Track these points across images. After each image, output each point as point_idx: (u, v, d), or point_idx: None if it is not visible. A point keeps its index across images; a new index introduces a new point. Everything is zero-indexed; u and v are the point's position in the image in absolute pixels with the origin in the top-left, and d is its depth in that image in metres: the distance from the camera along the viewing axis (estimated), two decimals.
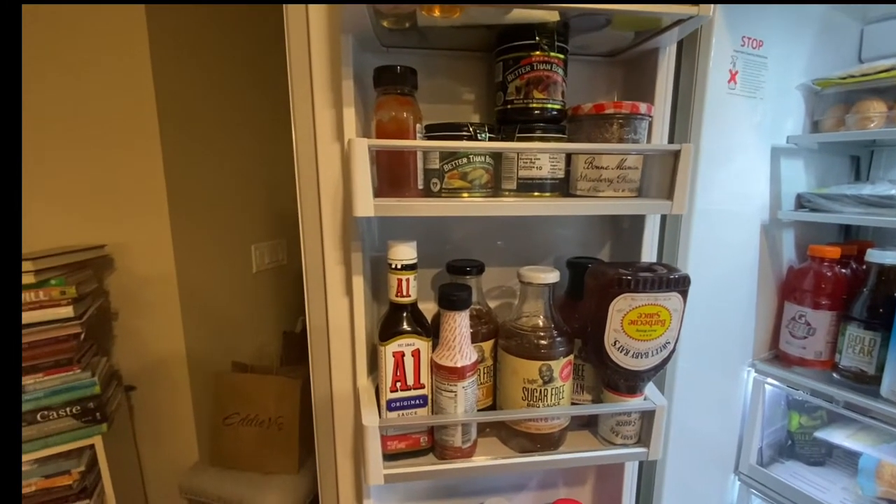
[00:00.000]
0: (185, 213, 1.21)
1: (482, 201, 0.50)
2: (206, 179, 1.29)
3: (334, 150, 0.56)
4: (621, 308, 0.51)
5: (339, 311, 0.60)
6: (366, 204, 0.45)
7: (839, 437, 0.93)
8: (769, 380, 0.93)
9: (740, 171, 0.86)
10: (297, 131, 0.57)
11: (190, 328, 1.24)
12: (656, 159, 0.54)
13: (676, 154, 0.50)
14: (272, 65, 1.47)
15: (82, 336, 0.97)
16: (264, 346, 1.58)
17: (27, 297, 0.90)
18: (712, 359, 0.91)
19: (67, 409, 0.95)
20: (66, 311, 0.94)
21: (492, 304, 0.66)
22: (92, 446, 0.99)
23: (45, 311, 0.92)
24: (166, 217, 1.16)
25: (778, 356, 0.96)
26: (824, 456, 0.98)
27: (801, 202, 0.93)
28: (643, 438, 0.56)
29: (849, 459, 0.95)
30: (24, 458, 0.91)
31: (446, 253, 0.64)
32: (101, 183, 1.11)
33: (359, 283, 0.56)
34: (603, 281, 0.51)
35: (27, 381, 0.91)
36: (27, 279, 0.89)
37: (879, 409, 0.77)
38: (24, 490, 0.93)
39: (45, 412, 0.93)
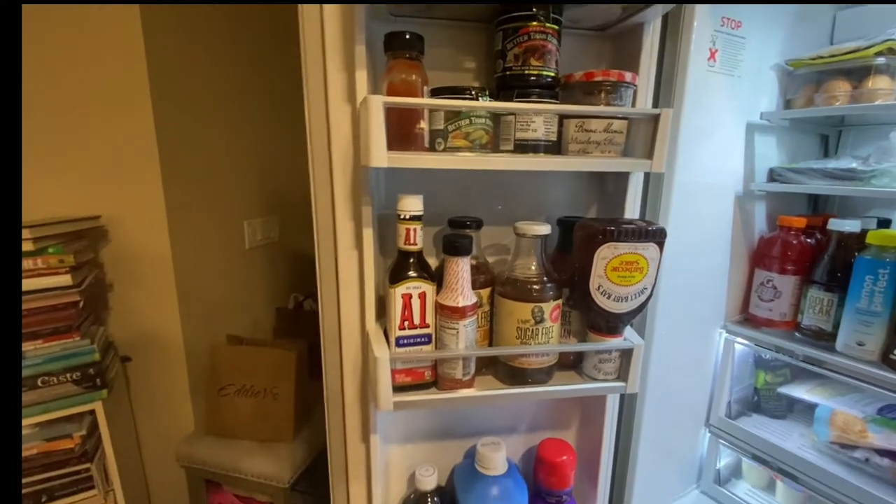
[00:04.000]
0: (178, 186, 1.21)
1: (484, 156, 0.56)
2: (199, 153, 1.29)
3: (345, 111, 0.61)
4: (605, 256, 0.57)
5: (349, 264, 0.65)
6: (380, 155, 0.50)
7: (800, 391, 1.02)
8: (739, 339, 1.01)
9: (718, 146, 0.92)
10: (308, 93, 0.62)
11: (184, 301, 1.24)
12: (640, 125, 0.60)
13: (657, 118, 0.56)
14: (268, 40, 1.48)
15: (81, 304, 0.96)
16: (258, 322, 1.59)
17: (26, 264, 0.90)
18: (688, 321, 0.98)
19: (68, 375, 0.95)
20: (65, 280, 0.93)
21: (489, 260, 0.72)
22: (92, 412, 0.99)
23: (43, 279, 0.91)
24: (160, 190, 1.16)
25: (748, 318, 1.04)
26: (786, 410, 1.07)
27: (773, 176, 1.01)
28: (622, 374, 0.63)
29: (808, 413, 1.04)
30: (25, 422, 0.92)
31: (447, 213, 0.69)
32: (94, 155, 1.09)
33: (368, 234, 0.61)
34: (589, 232, 0.58)
35: (27, 347, 0.91)
36: (26, 246, 0.88)
37: (835, 362, 0.85)
38: (26, 453, 0.93)
39: (46, 377, 0.93)
